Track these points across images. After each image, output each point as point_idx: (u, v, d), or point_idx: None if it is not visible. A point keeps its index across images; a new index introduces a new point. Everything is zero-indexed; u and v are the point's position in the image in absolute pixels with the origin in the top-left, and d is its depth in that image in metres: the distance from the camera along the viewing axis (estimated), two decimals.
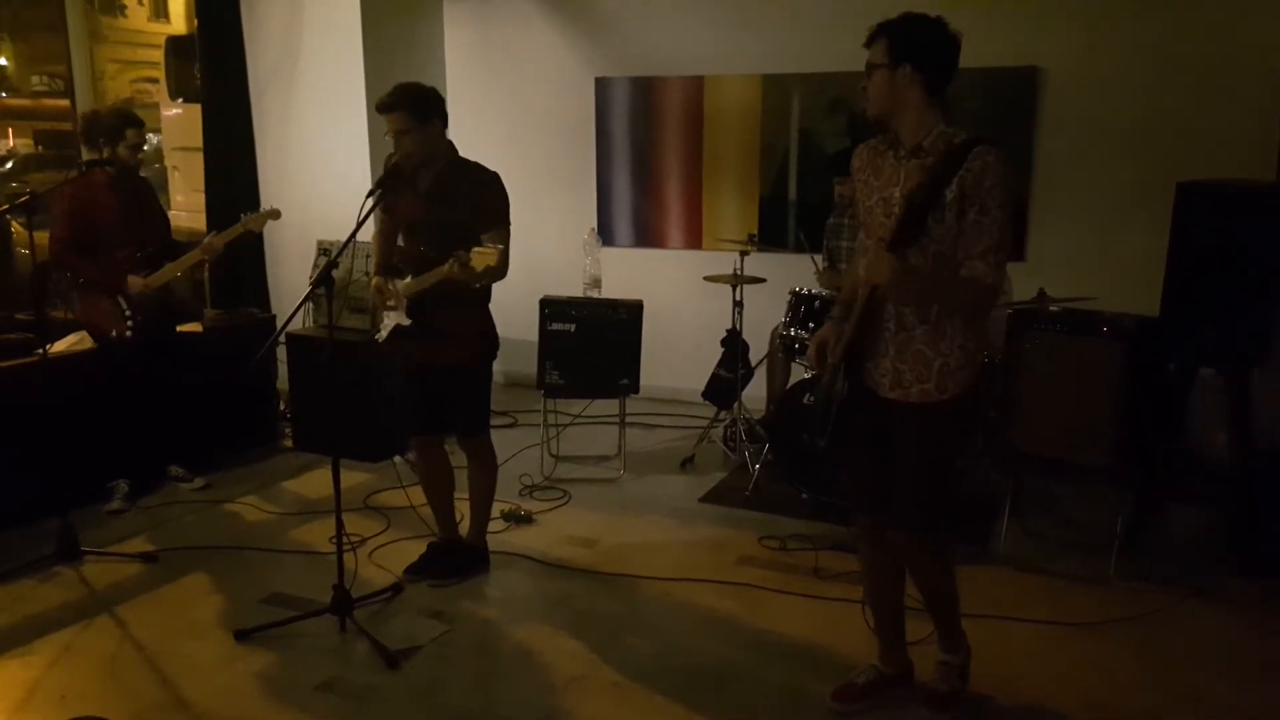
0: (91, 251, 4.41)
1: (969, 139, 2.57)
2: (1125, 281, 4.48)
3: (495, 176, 3.57)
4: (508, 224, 3.55)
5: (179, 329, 4.98)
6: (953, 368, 2.68)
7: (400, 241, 3.69)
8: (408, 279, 3.56)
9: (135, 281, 4.43)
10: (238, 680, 3.18)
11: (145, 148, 4.63)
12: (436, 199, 3.53)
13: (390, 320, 3.61)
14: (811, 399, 4.14)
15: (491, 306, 3.75)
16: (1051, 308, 4.08)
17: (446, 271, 3.34)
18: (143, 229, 4.55)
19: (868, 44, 2.65)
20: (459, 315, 3.59)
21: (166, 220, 4.83)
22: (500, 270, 3.43)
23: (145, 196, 4.70)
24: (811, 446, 4.34)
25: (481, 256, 3.24)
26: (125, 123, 4.45)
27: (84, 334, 4.74)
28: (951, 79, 2.63)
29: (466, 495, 3.94)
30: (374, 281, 3.63)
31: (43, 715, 2.93)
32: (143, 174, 4.76)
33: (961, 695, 3.00)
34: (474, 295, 3.62)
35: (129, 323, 4.44)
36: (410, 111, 3.43)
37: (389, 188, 3.48)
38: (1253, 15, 4.79)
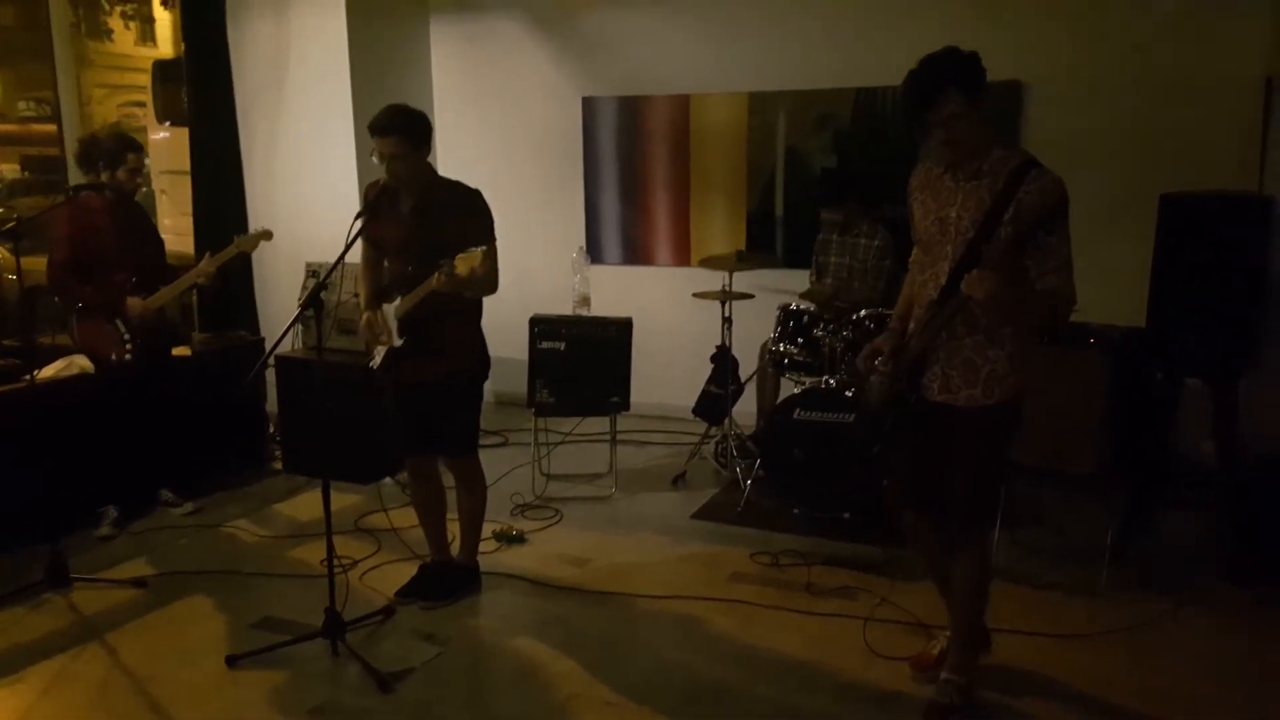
0: (88, 275, 4.41)
1: (1023, 162, 2.75)
2: (1111, 293, 4.48)
3: (477, 193, 3.61)
4: (493, 239, 3.56)
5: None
6: (1000, 374, 2.83)
7: (387, 265, 3.70)
8: (397, 301, 3.57)
9: (134, 304, 4.44)
10: (230, 706, 3.16)
11: (144, 172, 4.64)
12: (420, 219, 3.55)
13: (383, 348, 3.62)
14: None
15: (482, 325, 3.76)
16: None
17: (435, 284, 3.36)
18: (139, 253, 4.55)
19: (927, 99, 2.69)
20: (450, 332, 3.61)
21: (162, 244, 4.83)
22: (490, 282, 3.50)
23: (141, 220, 4.72)
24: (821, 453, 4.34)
25: (465, 261, 3.27)
26: (125, 147, 4.47)
27: (72, 359, 4.73)
28: None
29: (458, 516, 3.93)
30: (364, 318, 3.64)
31: None
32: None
33: (959, 711, 3.02)
34: (465, 313, 3.63)
35: (128, 346, 4.44)
36: (407, 137, 3.45)
37: (375, 213, 3.51)
38: (1233, 26, 4.84)
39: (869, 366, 3.03)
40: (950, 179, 2.85)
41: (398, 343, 3.57)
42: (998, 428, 2.88)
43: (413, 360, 3.60)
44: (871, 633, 3.51)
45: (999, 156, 2.78)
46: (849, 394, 4.29)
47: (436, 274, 3.34)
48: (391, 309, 3.58)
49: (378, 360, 3.65)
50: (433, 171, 3.64)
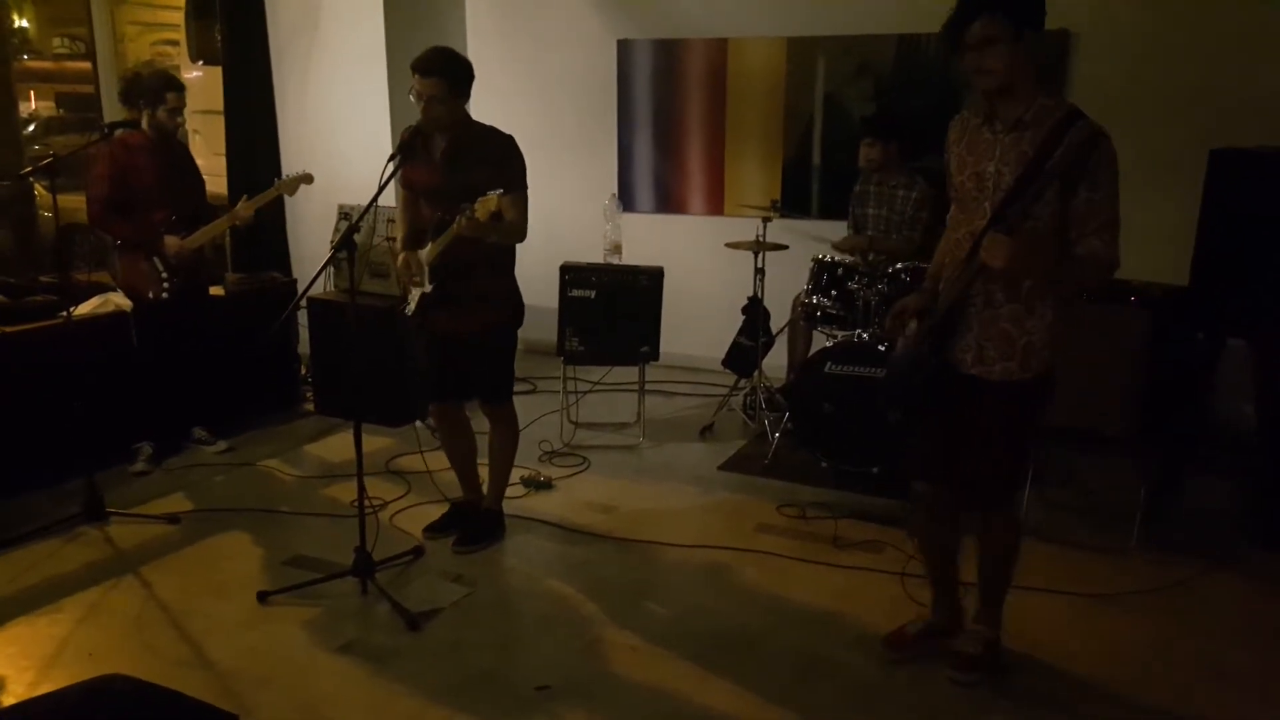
0: (128, 213, 4.43)
1: (1068, 113, 2.54)
2: (1154, 250, 4.39)
3: (510, 140, 3.57)
4: (524, 187, 3.55)
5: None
6: (1037, 346, 2.68)
7: (424, 210, 3.69)
8: (429, 246, 3.56)
9: (172, 242, 4.46)
10: (260, 641, 3.22)
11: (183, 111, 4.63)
12: (452, 164, 3.53)
13: (416, 291, 3.63)
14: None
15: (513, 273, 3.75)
16: None
17: (457, 229, 3.35)
18: (179, 192, 4.57)
19: (969, 18, 2.50)
20: (482, 282, 3.60)
21: (202, 183, 4.84)
22: (516, 230, 3.51)
23: (182, 159, 4.72)
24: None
25: (484, 205, 3.26)
26: (166, 86, 4.46)
27: (108, 297, 4.77)
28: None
29: (488, 460, 3.96)
30: (399, 258, 3.66)
31: (71, 672, 2.98)
32: None
33: (985, 663, 3.01)
34: (497, 262, 3.62)
35: (165, 284, 4.48)
36: (447, 80, 3.42)
37: (407, 156, 3.49)
38: None
39: (896, 326, 2.89)
40: (989, 130, 2.64)
41: (427, 288, 3.57)
42: (1032, 402, 2.75)
43: (445, 311, 3.61)
44: (898, 587, 3.51)
45: (1042, 106, 2.57)
46: (881, 348, 4.25)
47: (458, 218, 3.33)
48: (424, 253, 3.58)
49: (412, 306, 3.66)
50: (468, 116, 3.60)
